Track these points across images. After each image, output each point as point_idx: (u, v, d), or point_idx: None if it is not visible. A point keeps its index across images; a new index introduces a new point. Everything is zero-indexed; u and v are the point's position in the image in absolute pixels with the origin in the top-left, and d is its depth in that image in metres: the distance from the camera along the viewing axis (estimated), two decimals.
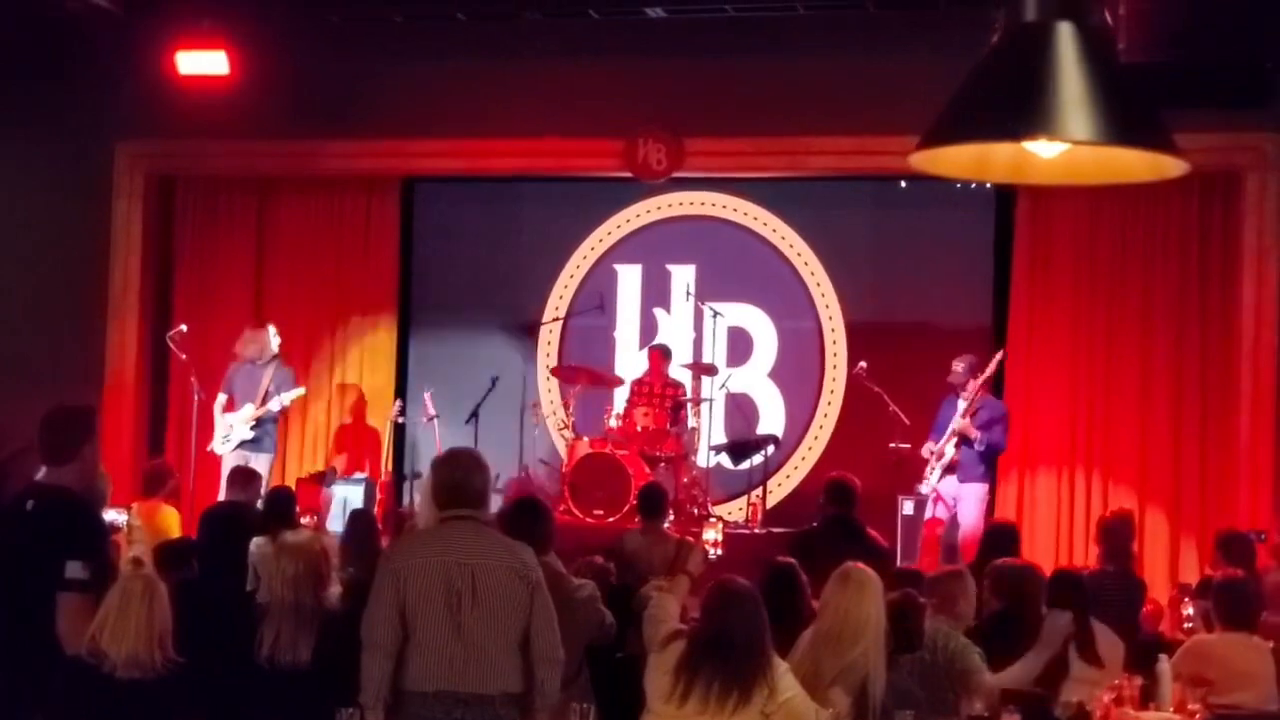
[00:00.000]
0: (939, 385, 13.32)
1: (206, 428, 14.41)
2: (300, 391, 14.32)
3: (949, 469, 13.06)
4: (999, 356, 13.35)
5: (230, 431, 14.06)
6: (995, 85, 4.44)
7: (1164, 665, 7.25)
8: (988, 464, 13.30)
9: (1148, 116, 4.47)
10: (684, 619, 6.60)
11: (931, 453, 13.10)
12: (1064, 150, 4.50)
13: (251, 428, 14.02)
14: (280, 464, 14.90)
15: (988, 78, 4.48)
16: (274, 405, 14.07)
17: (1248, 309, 13.38)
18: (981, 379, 13.08)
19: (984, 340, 14.17)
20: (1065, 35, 4.38)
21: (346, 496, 13.94)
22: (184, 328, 14.70)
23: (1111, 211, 13.91)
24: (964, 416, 12.98)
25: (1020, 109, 4.33)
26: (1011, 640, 7.41)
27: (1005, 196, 14.11)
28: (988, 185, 13.50)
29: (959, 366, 13.15)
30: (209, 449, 14.18)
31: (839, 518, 10.41)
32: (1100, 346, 13.97)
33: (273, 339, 14.30)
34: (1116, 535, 10.19)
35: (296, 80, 14.33)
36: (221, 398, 14.26)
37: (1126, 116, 4.36)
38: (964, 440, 13.01)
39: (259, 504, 10.97)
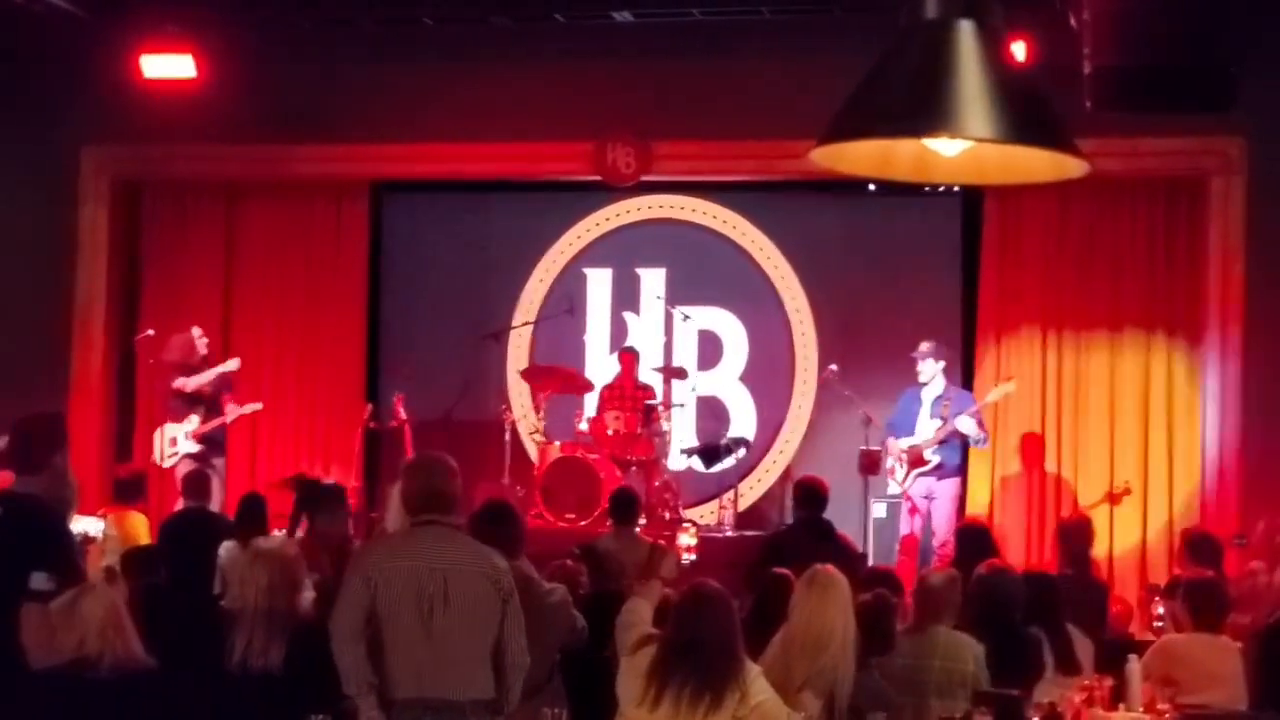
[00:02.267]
0: (909, 387, 13.36)
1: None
2: (257, 406, 14.23)
3: (930, 470, 13.08)
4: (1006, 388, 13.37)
5: (175, 446, 13.95)
6: (896, 82, 4.42)
7: (1134, 665, 7.27)
8: (964, 456, 13.34)
9: (1048, 116, 4.46)
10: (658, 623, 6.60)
11: (901, 451, 13.11)
12: (967, 148, 4.49)
13: (198, 440, 13.92)
14: (250, 470, 14.85)
15: (889, 74, 4.46)
16: (229, 417, 13.99)
17: (1214, 311, 13.45)
18: (980, 404, 13.14)
19: (953, 341, 14.21)
20: (966, 34, 4.37)
21: None
22: (151, 332, 14.64)
23: (1079, 214, 13.96)
24: (958, 415, 12.96)
25: (921, 106, 4.31)
26: (987, 642, 7.41)
27: (973, 199, 14.16)
28: (955, 188, 13.54)
29: (924, 345, 13.20)
30: (158, 460, 14.03)
31: (809, 519, 10.44)
32: (1069, 348, 14.02)
33: (198, 341, 14.16)
34: (1074, 539, 10.21)
35: (264, 84, 14.31)
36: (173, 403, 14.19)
37: (1027, 116, 4.35)
38: (947, 440, 13.04)
39: (214, 506, 10.98)
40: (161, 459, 13.97)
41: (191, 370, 14.10)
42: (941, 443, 13.07)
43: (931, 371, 13.23)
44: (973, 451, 13.73)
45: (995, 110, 4.29)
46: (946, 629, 7.32)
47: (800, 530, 10.37)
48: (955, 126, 4.31)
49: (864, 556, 12.62)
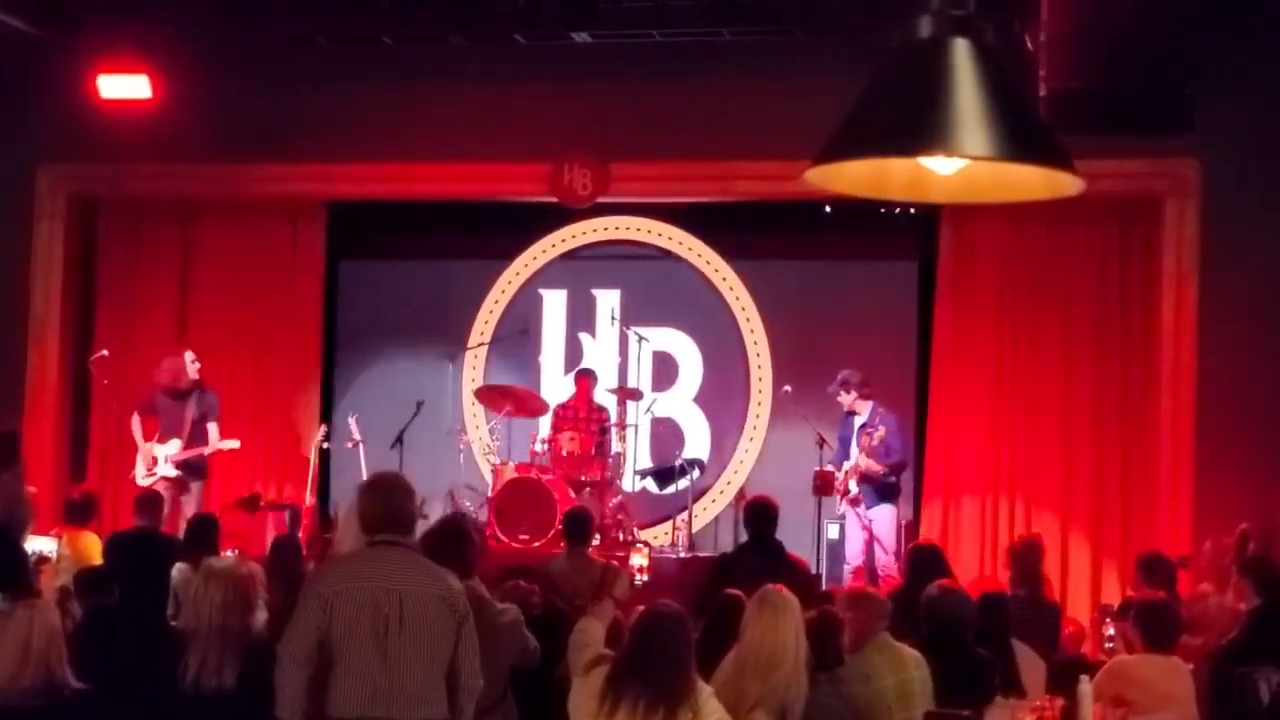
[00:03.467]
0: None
1: (129, 454, 14.29)
2: (235, 444, 14.17)
3: (855, 500, 13.13)
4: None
5: (155, 466, 13.90)
6: (891, 101, 4.43)
7: (1085, 686, 7.27)
8: (889, 486, 13.34)
9: (1043, 134, 4.49)
10: (610, 644, 6.59)
11: (839, 476, 13.17)
12: (962, 167, 4.51)
13: (177, 465, 13.87)
14: (206, 490, 14.79)
15: (883, 94, 4.47)
16: (210, 448, 13.95)
17: (1167, 334, 13.49)
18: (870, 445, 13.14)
19: (908, 364, 14.27)
20: (961, 52, 4.39)
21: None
22: (105, 352, 14.59)
23: (1034, 236, 14.01)
24: (863, 452, 12.99)
25: (916, 125, 4.33)
26: (939, 663, 7.41)
27: (929, 221, 14.19)
28: (911, 210, 13.59)
29: (834, 387, 13.23)
30: (138, 480, 13.99)
31: (758, 539, 10.46)
32: (1023, 370, 14.06)
33: (190, 366, 14.13)
34: (1025, 560, 10.24)
35: (220, 104, 14.28)
36: (136, 418, 14.12)
37: (1023, 133, 4.37)
38: (866, 477, 13.07)
39: (165, 529, 10.92)
40: (141, 477, 13.91)
41: (180, 394, 14.03)
42: (863, 478, 13.08)
43: (849, 403, 13.25)
44: (927, 472, 13.77)
45: (990, 128, 4.31)
46: (886, 641, 7.29)
47: (750, 551, 10.37)
48: (951, 145, 4.33)
49: (817, 577, 12.66)
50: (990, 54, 4.39)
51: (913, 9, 4.45)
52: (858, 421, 13.27)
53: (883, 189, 4.86)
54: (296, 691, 6.09)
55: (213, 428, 14.05)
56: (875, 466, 13.04)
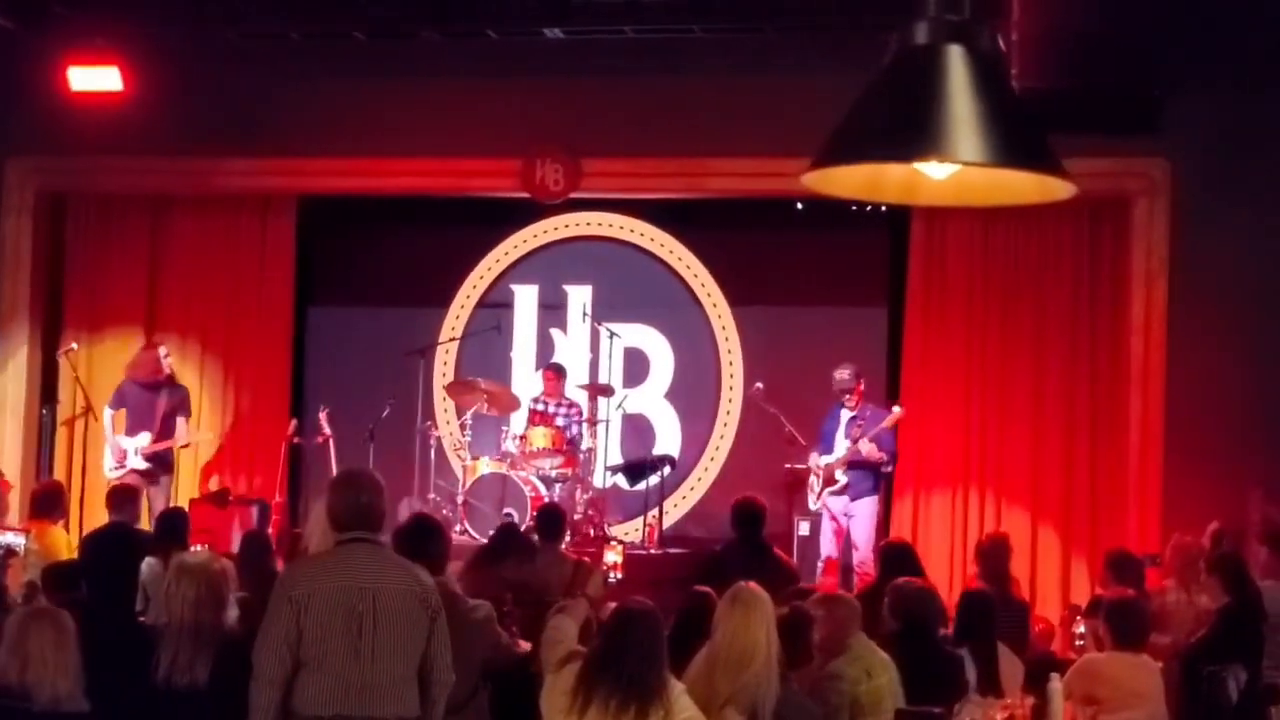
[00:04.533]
0: (836, 404, 13.41)
1: (97, 448, 14.26)
2: (211, 436, 14.14)
3: (840, 490, 13.14)
4: (896, 414, 13.38)
5: (125, 459, 13.86)
6: (887, 107, 4.47)
7: (1055, 684, 7.30)
8: (877, 476, 13.39)
9: (1036, 139, 4.52)
10: (585, 641, 6.60)
11: (819, 467, 13.18)
12: (955, 171, 4.54)
13: (146, 458, 13.84)
14: (174, 484, 14.76)
15: (880, 99, 4.51)
16: (179, 441, 13.92)
17: (1136, 332, 13.54)
18: (877, 429, 13.17)
19: (879, 359, 14.29)
20: (956, 58, 4.41)
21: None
22: (75, 345, 14.54)
23: (1004, 234, 14.05)
24: (861, 438, 13.03)
25: (912, 130, 4.36)
26: (908, 659, 7.43)
27: (900, 218, 14.21)
28: (882, 208, 13.60)
29: (844, 374, 13.24)
30: (105, 473, 13.96)
31: (746, 538, 10.48)
32: (993, 367, 14.09)
33: (163, 360, 14.11)
34: (992, 557, 10.28)
35: (191, 97, 14.23)
36: (109, 411, 14.09)
37: (1015, 139, 4.40)
38: (856, 463, 13.09)
39: (141, 523, 10.89)
40: (110, 469, 13.88)
41: (152, 388, 14.00)
42: (852, 465, 13.12)
43: (851, 387, 13.27)
44: (898, 469, 13.80)
45: (984, 134, 4.34)
46: (862, 641, 7.32)
47: (737, 549, 10.42)
48: (945, 150, 4.35)
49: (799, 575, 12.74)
50: (986, 60, 4.42)
51: (910, 15, 4.48)
52: (846, 414, 13.26)
53: (877, 192, 4.91)
54: (269, 711, 6.07)
55: (181, 423, 14.05)
56: (877, 453, 13.06)
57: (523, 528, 12.99)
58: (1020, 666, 8.16)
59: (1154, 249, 13.50)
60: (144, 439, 13.85)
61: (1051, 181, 4.55)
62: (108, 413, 14.15)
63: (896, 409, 13.35)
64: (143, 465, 13.82)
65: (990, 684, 7.73)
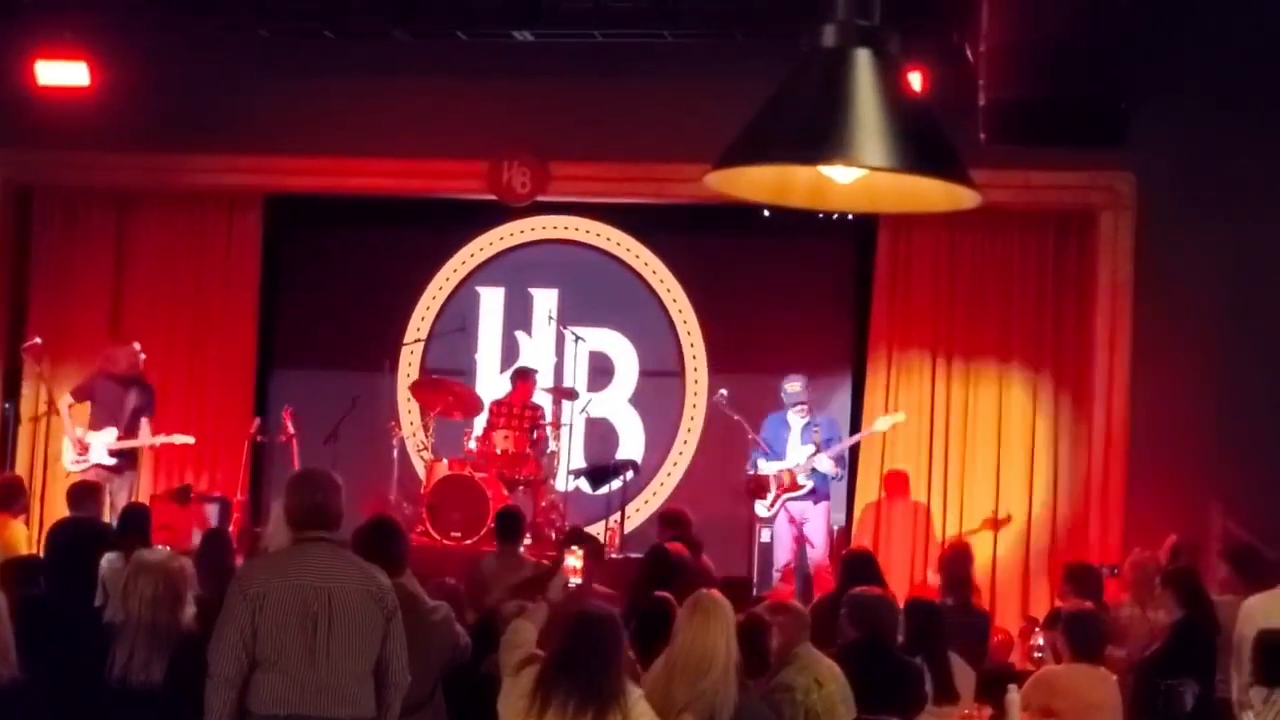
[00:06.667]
0: (773, 411, 13.45)
1: (60, 443, 14.19)
2: (189, 440, 14.07)
3: (805, 495, 13.17)
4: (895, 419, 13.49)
5: (87, 452, 13.77)
6: (794, 109, 4.45)
7: (1013, 695, 7.33)
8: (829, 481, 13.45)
9: (944, 147, 4.51)
10: (543, 645, 6.60)
11: (778, 475, 13.19)
12: (861, 176, 4.53)
13: (111, 453, 13.76)
14: (136, 481, 14.69)
15: (786, 101, 4.49)
16: (143, 441, 13.84)
17: (1101, 344, 13.60)
18: (851, 440, 13.24)
19: (844, 368, 14.32)
20: (863, 63, 4.42)
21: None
22: (38, 340, 14.48)
23: (970, 245, 14.09)
24: (820, 452, 13.08)
25: (817, 134, 4.34)
26: (867, 669, 7.44)
27: (867, 227, 14.24)
28: (850, 216, 13.63)
29: (796, 386, 13.28)
30: (66, 465, 13.89)
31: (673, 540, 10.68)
32: (957, 377, 14.13)
33: (139, 356, 14.02)
34: (954, 567, 10.31)
35: (159, 93, 14.20)
36: (67, 401, 14.00)
37: (922, 146, 4.39)
38: (816, 471, 13.14)
39: (105, 519, 10.83)
40: (70, 462, 13.79)
41: (124, 383, 13.92)
42: (815, 473, 13.18)
43: (805, 400, 13.32)
44: (860, 478, 13.85)
45: (890, 139, 4.32)
46: (809, 650, 7.32)
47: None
48: (850, 155, 4.33)
49: (749, 581, 12.76)
50: (894, 65, 4.42)
51: (819, 16, 4.48)
52: (799, 421, 13.29)
53: (784, 195, 4.87)
54: (224, 711, 6.06)
55: (145, 422, 13.93)
56: (839, 469, 13.15)
57: (482, 531, 13.03)
58: (972, 675, 8.18)
59: (1119, 262, 13.57)
60: (111, 434, 13.76)
61: (958, 190, 4.53)
62: (65, 403, 14.04)
63: (899, 415, 13.41)
64: (109, 461, 13.73)
65: (945, 693, 7.75)
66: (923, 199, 4.74)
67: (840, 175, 4.54)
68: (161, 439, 13.92)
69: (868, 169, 4.39)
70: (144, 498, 13.92)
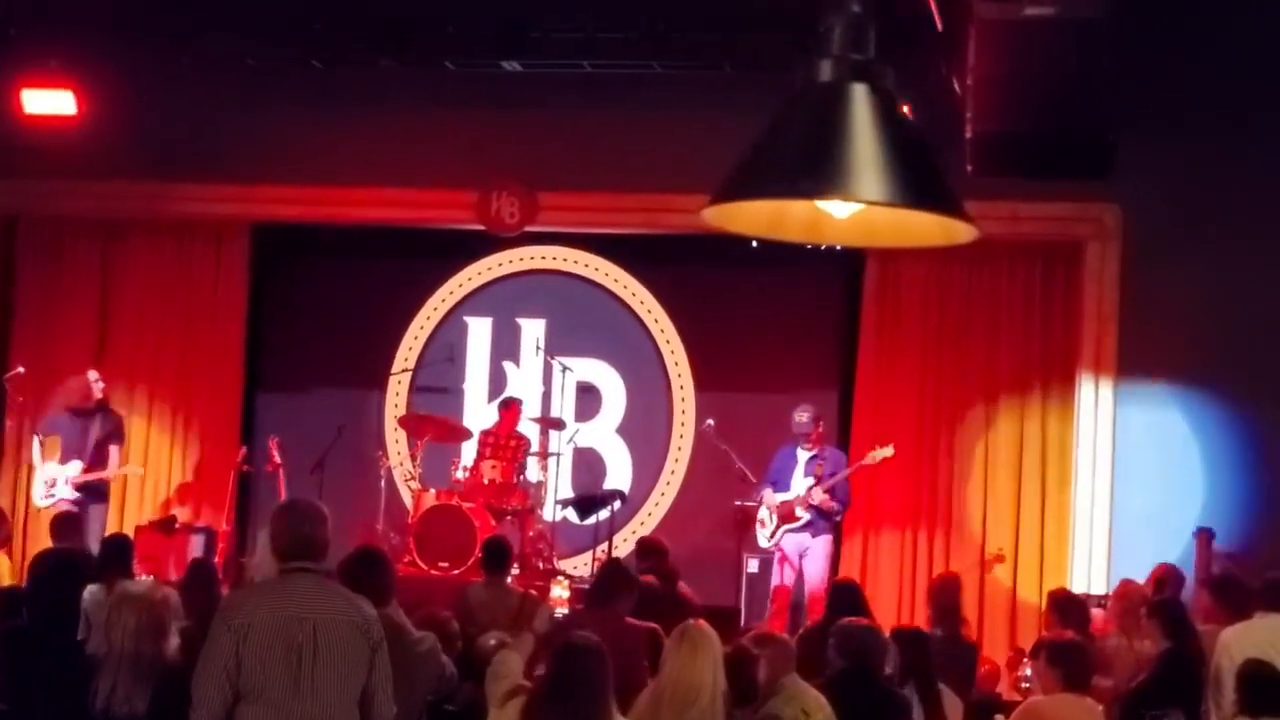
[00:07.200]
0: (787, 443, 13.41)
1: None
2: (138, 470, 14.00)
3: (802, 528, 13.14)
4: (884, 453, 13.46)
5: (54, 487, 13.70)
6: (790, 143, 4.46)
7: None
8: (832, 521, 13.40)
9: (939, 181, 4.52)
10: (529, 676, 6.58)
11: (774, 505, 13.16)
12: (858, 211, 4.54)
13: (76, 488, 13.68)
14: (120, 512, 14.64)
15: (782, 136, 4.50)
16: (107, 472, 13.75)
17: (1087, 375, 13.62)
18: (839, 476, 13.22)
19: (831, 400, 14.31)
20: (860, 97, 4.42)
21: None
22: (21, 369, 14.44)
23: (958, 276, 14.11)
24: (818, 485, 13.04)
25: (814, 168, 4.35)
26: (854, 699, 7.42)
27: (855, 259, 14.25)
28: (838, 248, 13.64)
29: (804, 416, 13.25)
30: (36, 501, 13.83)
31: (649, 570, 10.67)
32: (945, 409, 14.14)
33: (94, 385, 13.94)
34: (943, 598, 10.29)
35: (146, 122, 14.21)
36: (37, 438, 13.96)
37: (918, 180, 4.40)
38: (817, 507, 13.10)
39: (89, 549, 10.79)
40: (40, 498, 13.74)
41: (84, 414, 13.85)
42: (811, 504, 13.15)
43: (809, 432, 13.28)
44: (848, 509, 13.82)
45: (886, 174, 4.33)
46: (795, 682, 7.30)
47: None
48: (847, 189, 4.34)
49: (737, 612, 12.72)
50: (889, 100, 4.42)
51: (815, 51, 4.48)
52: (805, 454, 13.25)
53: (780, 230, 4.88)
54: None
55: (114, 451, 13.85)
56: (831, 503, 13.11)
57: (470, 560, 13.01)
58: (960, 706, 8.16)
59: (1105, 293, 13.59)
60: (75, 467, 13.67)
61: (954, 224, 4.55)
62: (35, 440, 14.00)
63: (888, 449, 13.39)
64: (72, 495, 13.60)
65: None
66: (919, 233, 4.75)
67: (837, 210, 4.55)
68: (112, 470, 13.80)
69: (865, 203, 4.40)
70: (129, 528, 13.86)
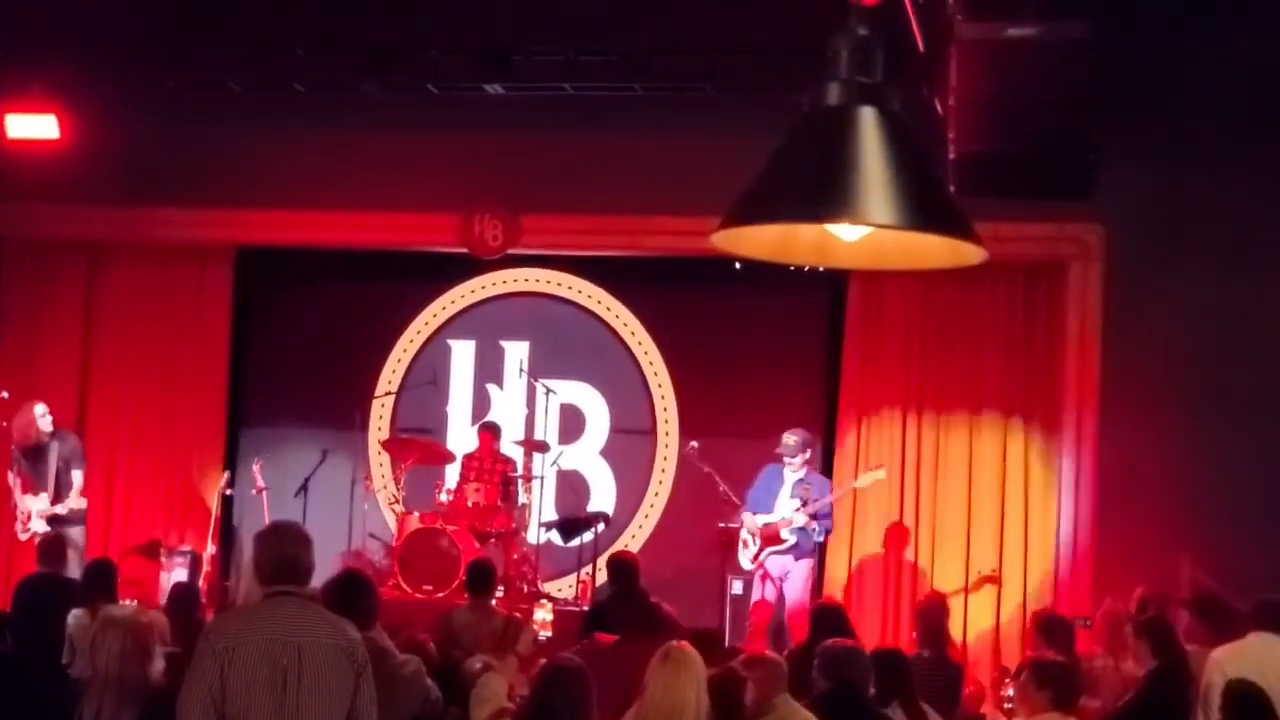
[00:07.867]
0: (770, 464, 13.41)
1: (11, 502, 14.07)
2: (82, 504, 13.81)
3: (786, 550, 13.14)
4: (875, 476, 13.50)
5: (30, 521, 13.63)
6: (799, 167, 4.47)
7: None
8: (815, 544, 13.41)
9: (948, 203, 4.53)
10: (513, 698, 6.58)
11: (757, 526, 13.16)
12: (867, 234, 4.55)
13: (48, 521, 13.61)
14: (104, 536, 14.59)
15: (791, 159, 4.51)
16: (71, 501, 13.62)
17: (1070, 395, 13.64)
18: (832, 497, 13.24)
19: (816, 421, 14.31)
20: (868, 120, 4.43)
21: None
22: (5, 394, 14.41)
23: (941, 297, 14.12)
24: (804, 509, 13.05)
25: (823, 192, 4.36)
26: None
27: (838, 279, 14.27)
28: (821, 268, 13.66)
29: (793, 439, 13.25)
30: (19, 535, 13.78)
31: (625, 591, 10.68)
32: (928, 430, 14.15)
33: (40, 419, 13.71)
34: (929, 619, 10.29)
35: (129, 146, 14.21)
36: (11, 474, 13.89)
37: (928, 202, 4.41)
38: (802, 529, 13.10)
39: (75, 574, 10.77)
40: (20, 531, 13.68)
41: (37, 448, 13.74)
42: (796, 526, 13.15)
43: (797, 462, 13.29)
44: (831, 529, 13.83)
45: (896, 197, 4.34)
46: (787, 702, 7.30)
47: (619, 602, 10.55)
48: (857, 213, 4.35)
49: (721, 632, 12.70)
50: (898, 122, 4.44)
51: (822, 75, 4.49)
52: (792, 475, 13.26)
53: (789, 253, 4.89)
54: None
55: (77, 474, 13.71)
56: (814, 523, 13.11)
57: (454, 583, 13.00)
58: None
59: (1088, 313, 13.62)
60: (43, 501, 13.60)
61: (964, 246, 4.56)
62: (11, 475, 13.93)
63: (880, 472, 13.41)
64: (44, 528, 13.45)
65: None
66: (928, 256, 4.77)
67: (846, 233, 4.57)
68: (75, 499, 13.63)
69: (875, 227, 4.41)
70: (113, 553, 13.81)
